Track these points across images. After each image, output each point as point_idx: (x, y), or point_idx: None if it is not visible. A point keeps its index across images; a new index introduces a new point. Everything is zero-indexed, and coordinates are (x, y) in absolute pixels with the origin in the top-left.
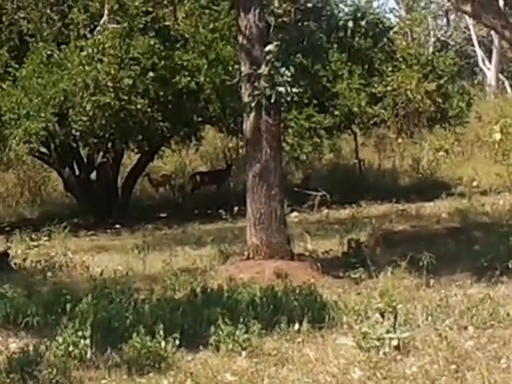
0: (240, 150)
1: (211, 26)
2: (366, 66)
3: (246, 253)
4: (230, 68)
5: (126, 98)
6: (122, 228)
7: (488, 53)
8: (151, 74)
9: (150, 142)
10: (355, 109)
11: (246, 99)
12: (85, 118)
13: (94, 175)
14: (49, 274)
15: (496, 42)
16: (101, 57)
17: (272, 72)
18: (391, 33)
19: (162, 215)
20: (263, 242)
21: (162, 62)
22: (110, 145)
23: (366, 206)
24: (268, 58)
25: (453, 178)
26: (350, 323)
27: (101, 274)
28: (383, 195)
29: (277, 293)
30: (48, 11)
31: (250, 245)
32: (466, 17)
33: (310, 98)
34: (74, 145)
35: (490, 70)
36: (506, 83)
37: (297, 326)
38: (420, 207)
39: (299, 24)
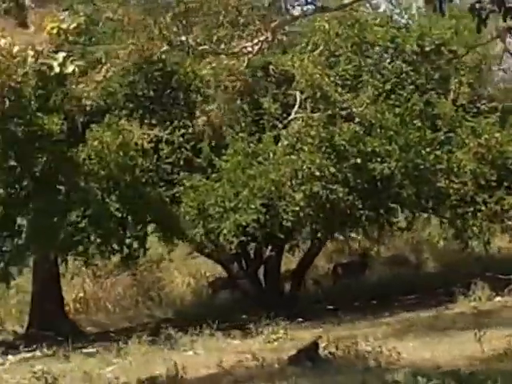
0: None
1: (397, 110)
2: None
3: None
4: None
5: (332, 186)
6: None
7: None
8: (352, 161)
9: (351, 230)
10: None
11: None
12: (296, 208)
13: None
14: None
15: None
16: (301, 146)
17: None
18: None
19: (330, 307)
20: None
21: (356, 149)
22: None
23: None
24: None
25: None
26: None
27: None
28: None
29: None
30: (238, 102)
31: None
32: None
33: None
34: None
35: None
36: None
37: None
38: None
39: None
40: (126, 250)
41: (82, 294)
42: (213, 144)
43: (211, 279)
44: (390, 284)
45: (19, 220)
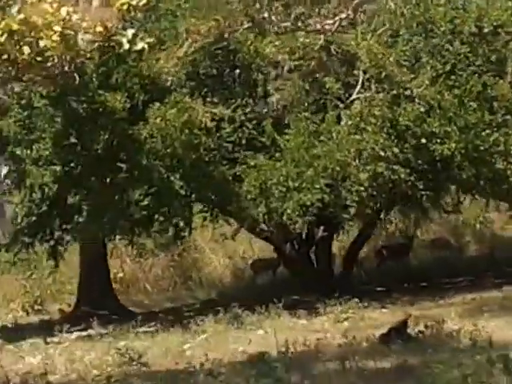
0: None
1: (456, 91)
2: None
3: None
4: (483, 134)
5: (395, 167)
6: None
7: None
8: (413, 141)
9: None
10: None
11: None
12: (361, 188)
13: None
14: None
15: None
16: (364, 126)
17: None
18: None
19: (380, 289)
20: None
21: (418, 130)
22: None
23: None
24: None
25: None
26: None
27: None
28: None
29: None
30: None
31: None
32: None
33: None
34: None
35: None
36: None
37: None
38: None
39: None
40: (171, 230)
41: (121, 275)
42: (276, 123)
43: (249, 260)
44: (432, 267)
45: (74, 199)
